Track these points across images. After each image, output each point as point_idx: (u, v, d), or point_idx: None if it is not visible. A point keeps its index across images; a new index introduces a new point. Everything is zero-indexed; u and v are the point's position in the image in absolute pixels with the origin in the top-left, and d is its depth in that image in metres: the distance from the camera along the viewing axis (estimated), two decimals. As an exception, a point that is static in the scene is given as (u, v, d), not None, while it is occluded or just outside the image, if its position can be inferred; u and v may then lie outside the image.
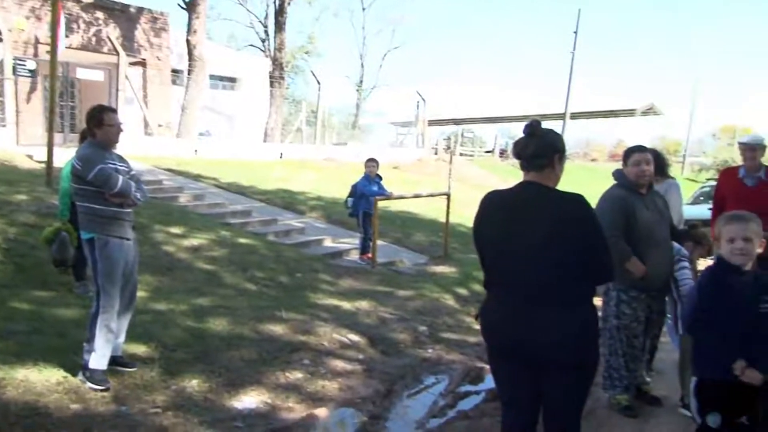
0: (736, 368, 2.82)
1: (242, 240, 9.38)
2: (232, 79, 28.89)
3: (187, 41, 20.35)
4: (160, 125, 19.73)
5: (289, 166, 18.20)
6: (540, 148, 2.67)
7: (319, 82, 24.68)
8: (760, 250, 2.94)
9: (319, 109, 25.57)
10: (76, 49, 18.65)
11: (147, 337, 5.20)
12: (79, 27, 18.98)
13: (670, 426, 4.20)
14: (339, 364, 5.41)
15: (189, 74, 20.51)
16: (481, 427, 4.30)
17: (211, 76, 24.88)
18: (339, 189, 14.54)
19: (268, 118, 24.75)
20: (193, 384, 4.59)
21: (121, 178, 4.28)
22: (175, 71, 23.13)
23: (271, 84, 25.40)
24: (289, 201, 13.76)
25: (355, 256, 10.07)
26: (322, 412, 4.50)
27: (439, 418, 4.65)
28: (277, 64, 25.59)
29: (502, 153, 37.68)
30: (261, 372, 4.97)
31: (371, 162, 9.84)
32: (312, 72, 26.18)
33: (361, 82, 48.65)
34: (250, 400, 4.51)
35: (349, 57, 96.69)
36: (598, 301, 5.43)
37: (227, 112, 26.72)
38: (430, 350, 6.13)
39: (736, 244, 2.87)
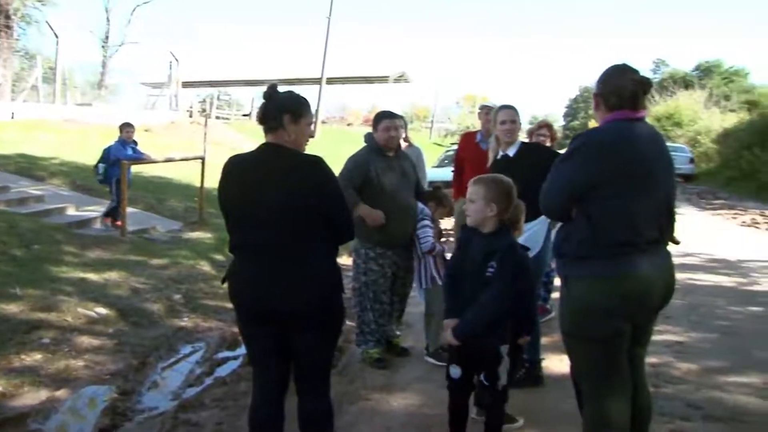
0: (445, 326, 3.08)
1: (-35, 211, 8.29)
2: (-55, 26, 25.00)
3: None
4: None
5: (24, 128, 16.31)
6: (268, 109, 2.69)
7: (56, 35, 22.33)
8: (490, 213, 3.08)
9: (58, 65, 23.18)
10: None
11: None
12: None
13: (417, 373, 4.56)
14: (85, 340, 5.07)
15: None
16: (238, 391, 4.30)
17: None
18: (84, 153, 13.42)
19: (-6, 72, 21.90)
20: None
21: None
22: None
23: (-3, 34, 22.45)
24: (24, 166, 12.37)
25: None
26: (64, 393, 4.18)
27: (196, 387, 4.56)
28: (3, 11, 22.59)
29: (260, 117, 37.25)
30: (-10, 357, 4.48)
31: (128, 127, 9.37)
32: (48, 23, 23.54)
33: (107, 38, 44.79)
34: (-25, 389, 4.05)
35: (92, 10, 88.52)
36: (348, 260, 5.70)
37: (-62, 64, 23.11)
38: (185, 319, 5.98)
39: (467, 205, 3.12)
